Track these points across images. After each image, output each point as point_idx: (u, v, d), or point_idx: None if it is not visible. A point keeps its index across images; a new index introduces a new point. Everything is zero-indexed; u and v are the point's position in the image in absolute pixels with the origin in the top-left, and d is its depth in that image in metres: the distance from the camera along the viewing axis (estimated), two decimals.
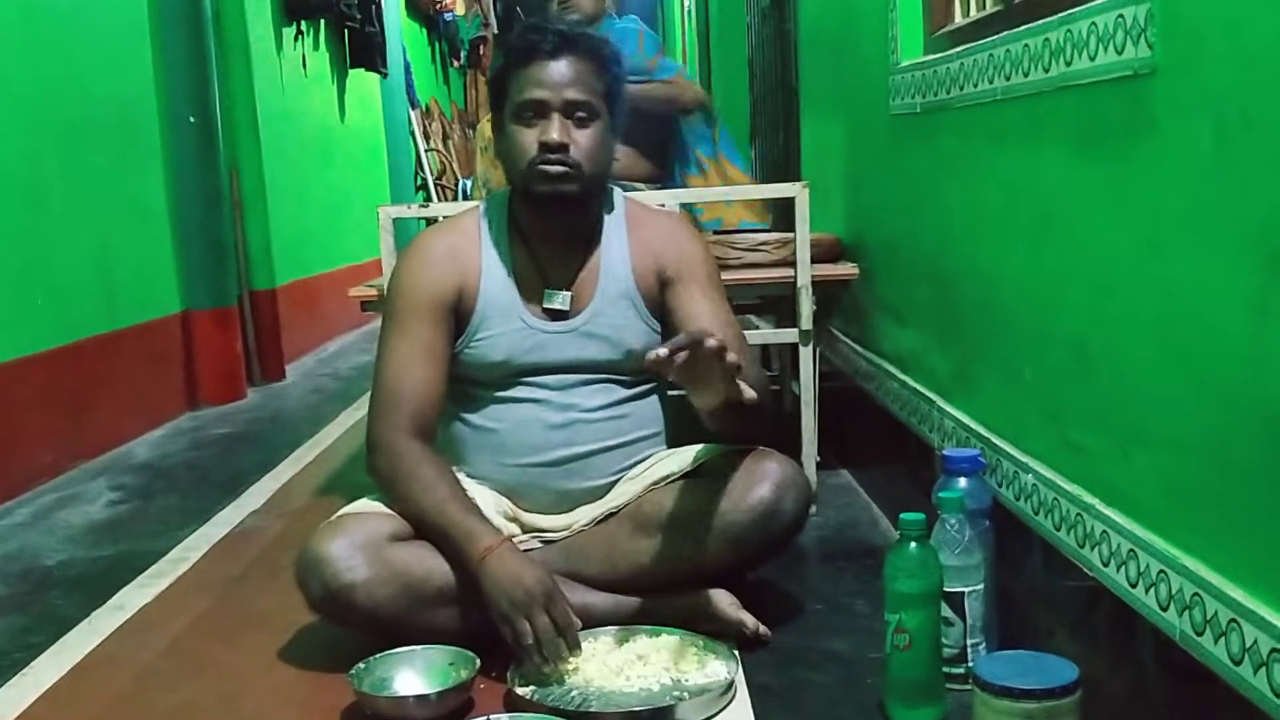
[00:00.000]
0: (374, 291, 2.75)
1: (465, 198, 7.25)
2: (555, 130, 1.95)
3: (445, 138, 9.75)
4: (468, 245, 2.07)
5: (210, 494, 3.17)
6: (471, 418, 2.05)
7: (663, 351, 1.64)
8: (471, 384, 2.05)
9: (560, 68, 1.96)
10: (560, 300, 2.05)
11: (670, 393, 2.14)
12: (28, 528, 2.95)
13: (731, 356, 1.70)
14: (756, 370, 2.05)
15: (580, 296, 2.06)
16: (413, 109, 8.93)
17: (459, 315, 2.03)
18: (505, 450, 2.02)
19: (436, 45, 11.29)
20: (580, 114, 1.97)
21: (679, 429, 2.10)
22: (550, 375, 2.03)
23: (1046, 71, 1.62)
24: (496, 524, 1.93)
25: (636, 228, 2.11)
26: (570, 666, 1.78)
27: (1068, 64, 1.55)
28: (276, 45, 5.64)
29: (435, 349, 2.01)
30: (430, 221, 5.54)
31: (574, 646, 1.77)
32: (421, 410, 1.97)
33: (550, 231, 2.06)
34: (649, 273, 2.08)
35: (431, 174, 8.96)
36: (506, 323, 2.03)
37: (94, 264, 3.83)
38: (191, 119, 4.41)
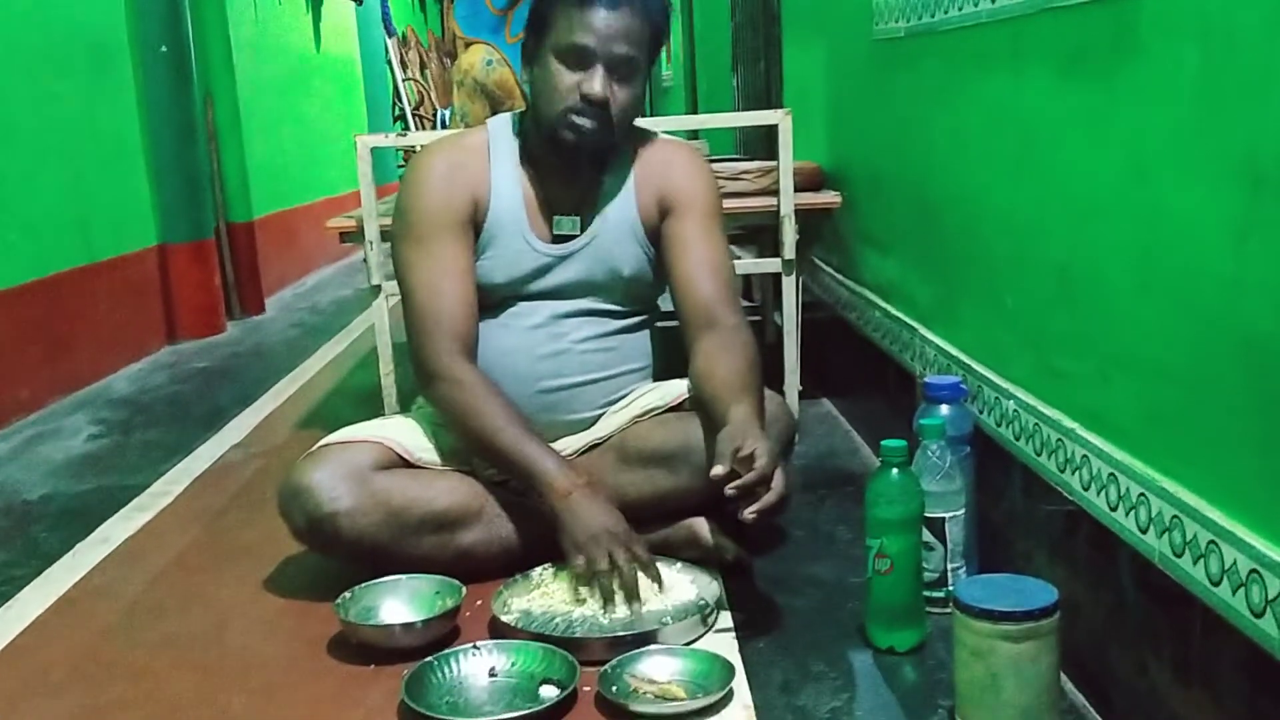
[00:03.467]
0: (353, 223, 2.72)
1: (443, 128, 7.17)
2: (598, 84, 1.90)
3: (423, 67, 9.62)
4: (477, 163, 2.04)
5: (191, 428, 3.17)
6: None
7: (718, 470, 1.63)
8: None
9: (615, 19, 1.90)
10: (570, 225, 2.03)
11: (659, 324, 2.13)
12: (7, 462, 2.94)
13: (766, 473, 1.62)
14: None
15: (584, 220, 2.05)
16: (389, 38, 8.81)
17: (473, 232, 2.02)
18: (492, 377, 2.00)
19: None
20: (624, 69, 1.93)
21: (666, 363, 2.10)
22: (546, 301, 2.02)
23: None
24: None
25: (643, 154, 2.08)
26: (558, 592, 1.79)
27: None
28: None
29: (462, 265, 1.99)
30: (409, 151, 5.49)
31: (656, 579, 1.78)
32: (466, 329, 1.96)
33: (564, 166, 2.03)
34: (650, 200, 2.06)
35: (409, 104, 8.85)
36: (511, 244, 2.01)
37: (67, 197, 3.78)
38: (164, 48, 4.34)
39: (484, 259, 2.01)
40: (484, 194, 2.02)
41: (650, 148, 2.09)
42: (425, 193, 2.00)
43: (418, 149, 3.65)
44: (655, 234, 2.06)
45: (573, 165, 2.01)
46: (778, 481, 1.64)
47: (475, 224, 2.01)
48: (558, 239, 2.03)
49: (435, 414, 2.03)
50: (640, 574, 1.77)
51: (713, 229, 2.06)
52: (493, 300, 2.02)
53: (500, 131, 2.08)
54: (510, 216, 2.01)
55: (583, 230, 2.04)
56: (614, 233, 2.04)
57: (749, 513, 1.62)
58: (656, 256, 2.07)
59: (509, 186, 2.03)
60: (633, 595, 1.75)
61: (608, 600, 1.74)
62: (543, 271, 2.02)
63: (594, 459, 2.00)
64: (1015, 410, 1.73)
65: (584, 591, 1.77)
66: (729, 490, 1.62)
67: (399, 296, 2.07)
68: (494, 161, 2.04)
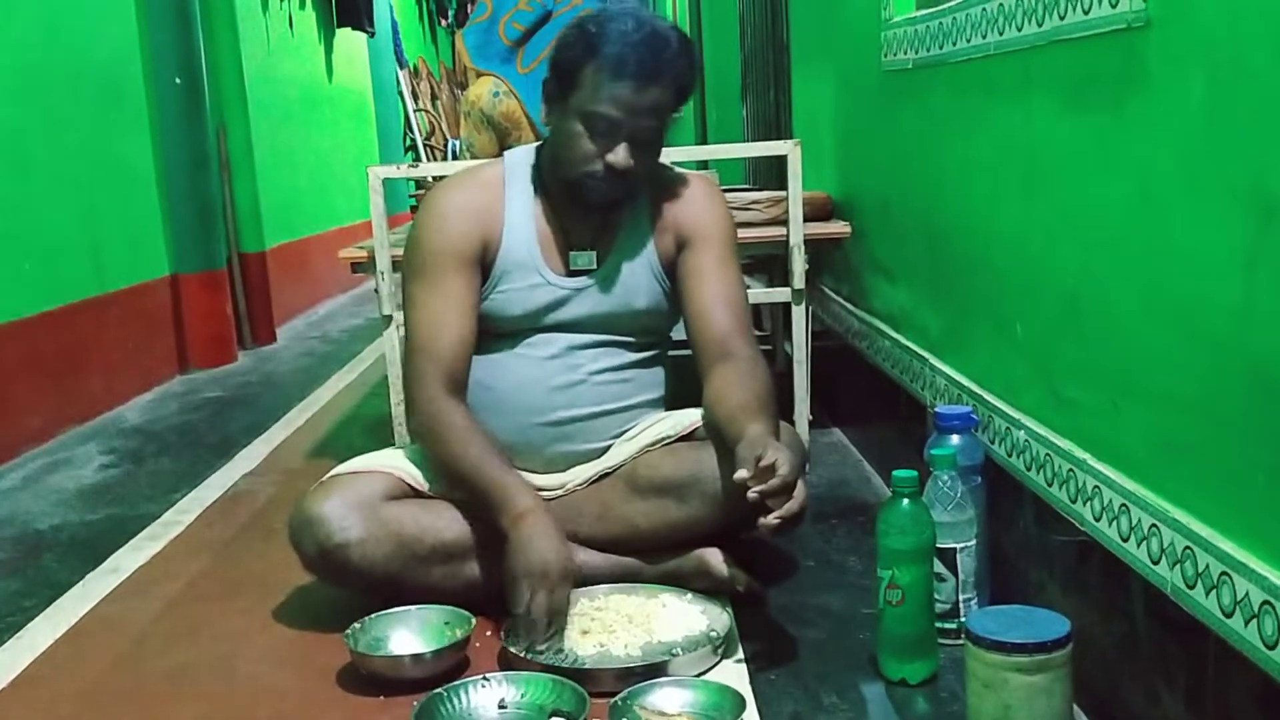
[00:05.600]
0: (364, 253, 2.73)
1: (454, 158, 7.21)
2: (623, 156, 1.90)
3: (434, 98, 9.67)
4: (491, 199, 2.04)
5: (202, 457, 3.17)
6: (475, 371, 2.04)
7: (742, 474, 1.63)
8: (483, 335, 2.04)
9: (645, 96, 1.89)
10: (585, 261, 2.04)
11: (672, 352, 2.14)
12: (19, 492, 2.95)
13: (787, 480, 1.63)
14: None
15: (600, 253, 2.05)
16: (401, 69, 8.86)
17: (482, 268, 2.02)
18: (504, 409, 2.01)
19: (424, 4, 11.20)
20: (649, 136, 1.93)
21: (678, 392, 2.10)
22: (562, 333, 2.03)
23: (1039, 25, 1.61)
24: None
25: (659, 187, 2.09)
26: (569, 626, 1.79)
27: (1061, 18, 1.54)
28: (262, 4, 5.59)
29: (465, 302, 1.99)
30: (420, 183, 5.51)
31: (555, 635, 1.77)
32: (456, 365, 1.97)
33: (580, 209, 2.03)
34: (668, 233, 2.06)
35: (420, 135, 8.90)
36: (526, 278, 2.02)
37: (81, 227, 3.80)
38: (177, 80, 4.37)
39: (498, 293, 2.02)
40: (497, 229, 2.02)
41: (667, 180, 2.10)
42: (435, 229, 2.02)
43: (429, 180, 3.66)
44: (671, 266, 2.07)
45: (588, 212, 2.02)
46: (799, 491, 1.63)
47: (487, 259, 2.01)
48: (573, 273, 2.04)
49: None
50: (551, 617, 1.76)
51: (728, 261, 2.06)
52: (508, 331, 2.02)
53: (517, 165, 2.08)
54: (525, 251, 2.02)
55: (599, 264, 2.04)
56: (630, 266, 2.05)
57: (771, 519, 1.60)
58: (672, 288, 2.07)
59: (524, 221, 2.03)
60: (534, 638, 1.74)
61: (525, 638, 1.75)
62: (558, 305, 2.02)
63: (604, 488, 2.00)
64: (1026, 440, 1.73)
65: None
66: (751, 494, 1.60)
67: None
68: (509, 196, 2.04)
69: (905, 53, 2.29)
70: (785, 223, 2.62)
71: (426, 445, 1.97)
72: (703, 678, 1.67)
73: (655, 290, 2.07)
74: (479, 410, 2.03)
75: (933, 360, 2.21)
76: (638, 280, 2.05)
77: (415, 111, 8.99)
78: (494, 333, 2.03)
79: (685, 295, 2.04)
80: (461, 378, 1.98)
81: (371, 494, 1.89)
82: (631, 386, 2.05)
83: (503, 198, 2.04)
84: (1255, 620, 1.14)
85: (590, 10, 1.98)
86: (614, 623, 1.80)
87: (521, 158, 2.10)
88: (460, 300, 1.99)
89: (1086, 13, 1.46)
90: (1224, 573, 1.20)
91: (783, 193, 2.66)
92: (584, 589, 1.88)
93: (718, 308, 2.01)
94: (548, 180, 2.04)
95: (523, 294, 2.01)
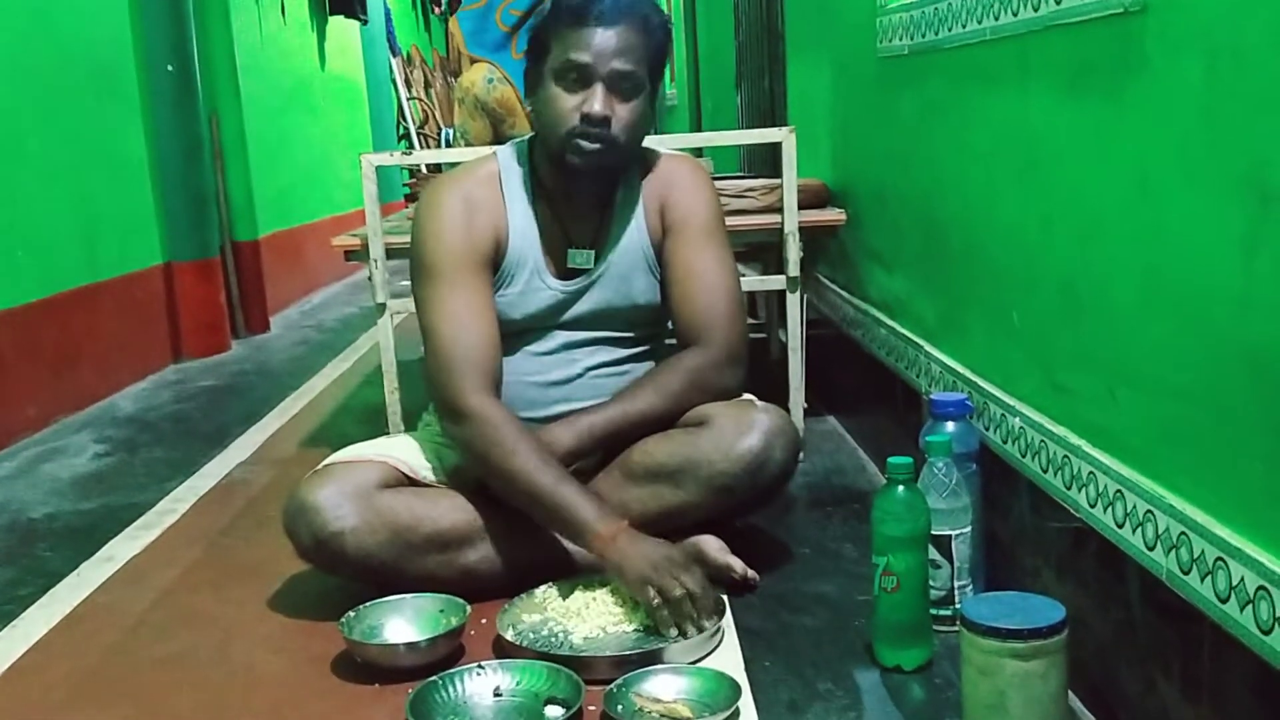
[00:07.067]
0: (358, 241, 2.72)
1: (448, 146, 7.19)
2: (598, 102, 1.88)
3: (427, 86, 9.65)
4: (492, 196, 2.02)
5: (196, 446, 3.17)
6: None
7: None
8: None
9: (611, 35, 1.88)
10: (583, 260, 2.03)
11: (668, 341, 2.13)
12: (12, 481, 2.94)
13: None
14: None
15: (597, 249, 2.04)
16: (394, 56, 8.84)
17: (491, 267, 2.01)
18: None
19: None
20: (625, 85, 1.91)
21: None
22: (560, 330, 2.02)
23: (1036, 10, 1.60)
24: None
25: (650, 175, 2.08)
26: (563, 611, 1.79)
27: (1057, 2, 1.53)
28: None
29: (487, 303, 1.97)
30: (414, 170, 5.49)
31: (720, 597, 1.80)
32: (492, 367, 1.93)
33: (575, 192, 2.03)
34: (656, 220, 2.06)
35: (414, 123, 8.88)
36: (527, 280, 2.01)
37: (74, 216, 3.79)
38: (170, 68, 4.36)
39: (500, 296, 2.01)
40: (503, 230, 2.01)
41: (656, 167, 2.09)
42: (445, 231, 1.97)
43: (423, 168, 3.64)
44: (660, 252, 2.06)
45: (582, 189, 2.01)
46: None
47: (496, 259, 2.00)
48: (572, 273, 2.03)
49: (441, 436, 2.02)
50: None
51: (710, 245, 2.05)
52: (507, 332, 2.01)
53: (509, 162, 2.07)
54: (526, 254, 2.01)
55: (596, 260, 2.04)
56: (627, 263, 2.04)
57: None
58: (661, 275, 2.07)
59: (524, 222, 2.02)
60: (708, 614, 1.74)
61: (686, 624, 1.72)
62: (557, 308, 2.02)
63: (599, 476, 2.00)
64: (1022, 427, 1.73)
65: (655, 620, 1.73)
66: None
67: (403, 314, 2.07)
68: (508, 196, 2.03)
69: (901, 39, 2.28)
70: (780, 210, 2.62)
71: (478, 454, 1.89)
72: (698, 665, 1.67)
73: (652, 283, 2.06)
74: None
75: (928, 347, 2.21)
76: (634, 275, 2.05)
77: (408, 99, 8.97)
78: None
79: (666, 280, 2.05)
80: (497, 378, 1.94)
81: (366, 482, 1.89)
82: (627, 380, 2.04)
83: (502, 195, 2.03)
84: (1250, 605, 1.14)
85: None
86: (609, 609, 1.80)
87: (512, 156, 2.08)
88: (482, 302, 1.96)
89: None
90: (1219, 558, 1.20)
91: (777, 180, 2.66)
92: (579, 576, 1.88)
93: (693, 293, 2.01)
94: (541, 172, 2.03)
95: (524, 298, 2.01)
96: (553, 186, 2.02)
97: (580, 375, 2.02)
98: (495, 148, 2.14)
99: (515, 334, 2.02)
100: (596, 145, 1.91)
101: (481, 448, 1.87)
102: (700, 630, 1.71)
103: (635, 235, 2.05)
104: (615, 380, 2.04)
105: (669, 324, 2.13)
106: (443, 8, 11.43)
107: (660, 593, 1.72)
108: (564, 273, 2.03)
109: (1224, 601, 1.19)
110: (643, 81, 1.94)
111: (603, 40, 1.89)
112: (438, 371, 1.92)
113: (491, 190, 2.03)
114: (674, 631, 1.70)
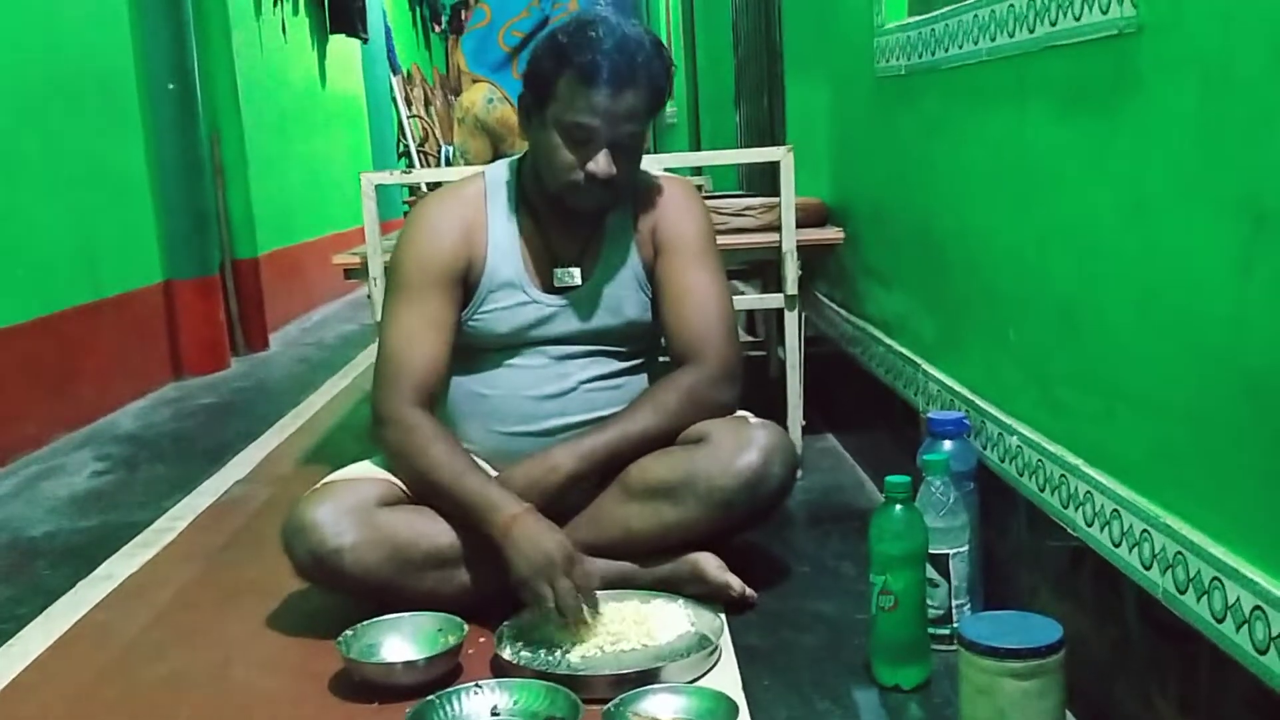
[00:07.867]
0: (357, 259, 2.73)
1: (448, 164, 7.21)
2: (603, 164, 1.89)
3: (427, 104, 9.68)
4: (474, 216, 2.04)
5: (195, 464, 3.17)
6: (465, 381, 2.05)
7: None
8: (471, 349, 2.04)
9: (621, 101, 1.88)
10: (570, 278, 2.04)
11: (663, 359, 2.14)
12: (12, 499, 2.94)
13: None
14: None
15: (586, 268, 2.05)
16: (394, 75, 8.86)
17: (466, 286, 2.02)
18: (495, 417, 2.02)
19: (417, 10, 11.21)
20: (629, 143, 1.93)
21: None
22: (552, 345, 2.03)
23: (1032, 32, 1.61)
24: None
25: (641, 197, 2.09)
26: (561, 630, 1.79)
27: (1053, 24, 1.54)
28: (255, 10, 5.59)
29: (442, 320, 1.99)
30: (414, 189, 5.52)
31: (592, 606, 1.78)
32: (427, 382, 1.96)
33: (569, 225, 2.04)
34: (647, 241, 2.07)
35: (414, 141, 8.90)
36: (512, 296, 2.02)
37: (74, 234, 3.80)
38: (171, 86, 4.37)
39: (483, 312, 2.02)
40: (481, 248, 2.02)
41: (648, 189, 2.10)
42: (417, 246, 2.02)
43: (423, 186, 3.66)
44: (651, 271, 2.07)
45: (577, 223, 2.03)
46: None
47: (471, 278, 2.02)
48: (559, 289, 2.04)
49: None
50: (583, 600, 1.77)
51: (702, 266, 2.06)
52: (496, 346, 2.03)
53: (497, 181, 2.08)
54: (510, 270, 2.02)
55: (584, 278, 2.05)
56: (615, 279, 2.05)
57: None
58: (652, 294, 2.07)
59: (507, 239, 2.04)
60: (579, 622, 1.75)
61: (562, 634, 1.75)
62: (545, 321, 2.03)
63: (599, 495, 1.99)
64: (1019, 446, 1.73)
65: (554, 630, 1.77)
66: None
67: None
68: (491, 213, 2.05)
69: (899, 59, 2.29)
70: (778, 229, 2.63)
71: (397, 458, 1.95)
72: (696, 684, 1.66)
73: (641, 301, 2.07)
74: (470, 418, 2.03)
75: (926, 366, 2.21)
76: (623, 292, 2.05)
77: (409, 118, 8.99)
78: (482, 348, 2.03)
79: (659, 301, 2.05)
80: (432, 394, 1.98)
81: (365, 500, 1.89)
82: (622, 394, 2.05)
83: (485, 215, 2.05)
84: (1246, 625, 1.15)
85: (564, 15, 1.98)
86: (607, 628, 1.80)
87: (501, 174, 2.10)
88: (437, 319, 1.98)
89: (1078, 19, 1.46)
90: (1215, 578, 1.20)
91: (776, 199, 2.67)
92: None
93: (686, 313, 2.02)
94: (530, 194, 2.05)
95: (509, 312, 2.02)
96: (541, 206, 2.04)
97: (574, 389, 2.03)
98: (485, 167, 2.16)
99: (504, 349, 2.03)
100: (596, 198, 1.94)
101: (398, 450, 1.94)
102: (541, 639, 1.76)
103: (624, 254, 2.06)
104: (609, 394, 2.04)
105: (662, 340, 2.13)
106: (443, 26, 11.50)
107: (534, 601, 1.76)
108: (551, 288, 2.04)
109: (1220, 621, 1.19)
110: (643, 136, 1.97)
111: (612, 106, 1.88)
112: (376, 380, 1.99)
113: (474, 209, 2.05)
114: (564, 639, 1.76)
